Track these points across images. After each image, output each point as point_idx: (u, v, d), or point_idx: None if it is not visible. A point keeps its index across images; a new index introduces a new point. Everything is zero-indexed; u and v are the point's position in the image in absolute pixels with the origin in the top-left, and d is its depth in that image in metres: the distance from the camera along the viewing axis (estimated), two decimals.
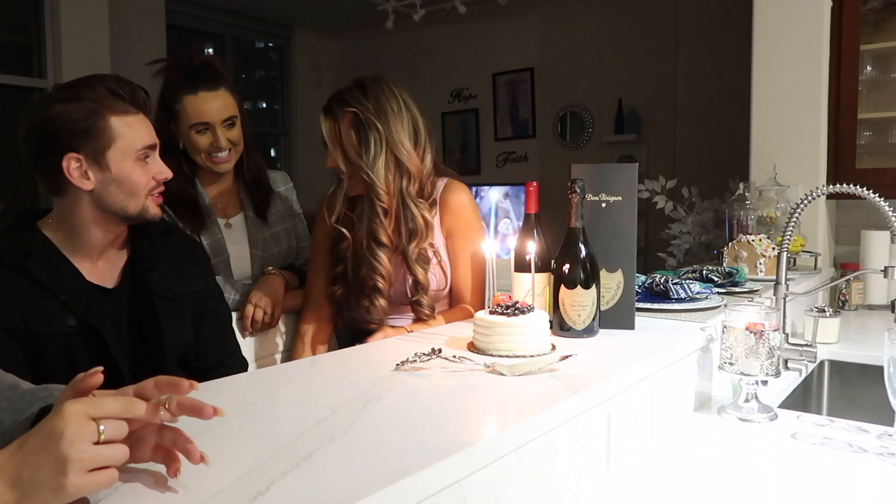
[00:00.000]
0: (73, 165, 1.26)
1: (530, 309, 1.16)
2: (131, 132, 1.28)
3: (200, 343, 1.48)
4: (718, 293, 1.74)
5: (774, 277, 1.61)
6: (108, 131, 1.26)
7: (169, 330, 1.38)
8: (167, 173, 1.34)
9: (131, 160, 1.28)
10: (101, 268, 1.37)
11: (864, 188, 1.48)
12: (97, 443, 0.58)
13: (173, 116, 1.76)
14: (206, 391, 0.97)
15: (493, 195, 4.97)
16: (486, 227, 1.83)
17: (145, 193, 1.31)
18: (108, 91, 1.26)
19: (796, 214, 1.55)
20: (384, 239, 1.62)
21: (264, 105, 6.21)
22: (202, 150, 1.77)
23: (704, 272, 1.88)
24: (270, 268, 1.84)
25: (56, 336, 1.28)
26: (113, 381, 1.40)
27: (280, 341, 1.86)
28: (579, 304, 1.26)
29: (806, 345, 1.54)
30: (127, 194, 1.30)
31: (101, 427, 0.58)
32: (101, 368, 0.64)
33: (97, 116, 1.25)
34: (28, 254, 1.28)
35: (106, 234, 1.34)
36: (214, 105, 1.77)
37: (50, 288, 1.28)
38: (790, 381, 1.67)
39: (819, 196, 1.56)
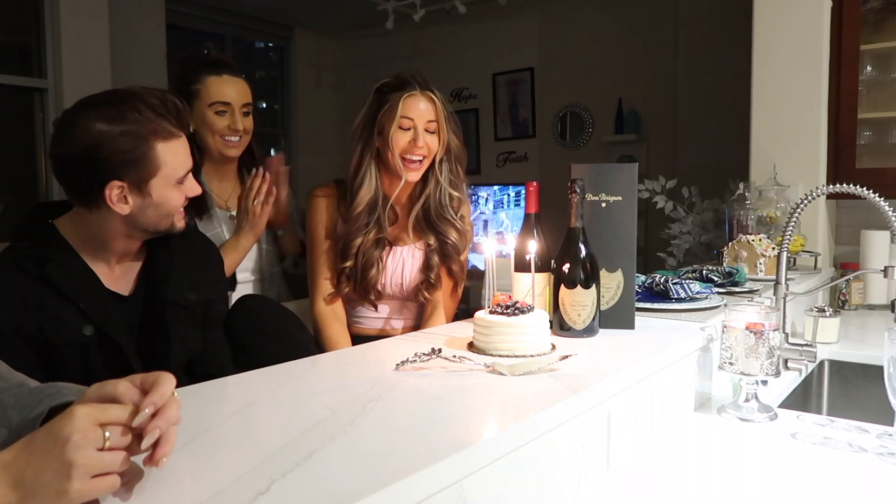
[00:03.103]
0: (114, 193, 1.21)
1: (530, 309, 1.16)
2: (175, 159, 1.25)
3: (206, 350, 1.46)
4: (718, 293, 1.74)
5: (774, 277, 1.61)
6: (154, 160, 1.22)
7: (178, 338, 1.36)
8: (198, 190, 1.33)
9: (171, 185, 1.26)
10: (118, 273, 1.34)
11: (864, 188, 1.48)
12: (101, 449, 0.58)
13: (189, 97, 1.76)
14: (207, 391, 0.97)
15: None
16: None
17: (177, 212, 1.31)
18: (154, 112, 1.21)
19: (796, 214, 1.55)
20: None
21: (264, 105, 6.20)
22: (217, 131, 1.76)
23: (704, 272, 1.88)
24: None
25: (72, 345, 1.24)
26: None
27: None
28: (579, 303, 1.26)
29: (806, 345, 1.54)
30: (162, 216, 1.28)
31: (107, 434, 0.59)
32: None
33: (144, 145, 1.20)
34: (47, 259, 1.23)
35: (130, 243, 1.33)
36: (237, 89, 1.79)
37: (69, 296, 1.23)
38: (790, 380, 1.68)
39: (819, 196, 1.56)
